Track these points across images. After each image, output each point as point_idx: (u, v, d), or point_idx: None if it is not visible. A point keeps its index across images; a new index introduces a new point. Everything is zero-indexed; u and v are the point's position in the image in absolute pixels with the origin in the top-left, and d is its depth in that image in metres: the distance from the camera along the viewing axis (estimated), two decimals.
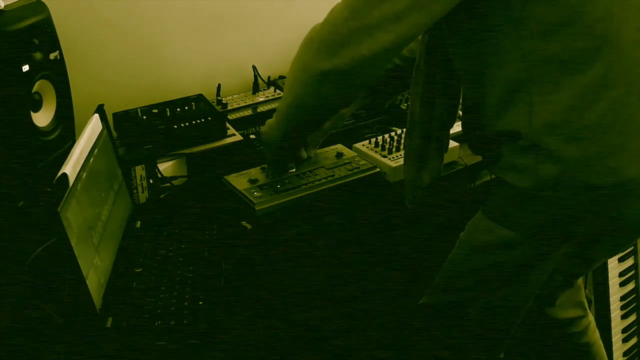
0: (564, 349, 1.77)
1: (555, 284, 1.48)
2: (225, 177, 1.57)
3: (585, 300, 1.77)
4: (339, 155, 1.67)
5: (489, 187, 1.62)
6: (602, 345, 1.83)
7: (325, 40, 1.18)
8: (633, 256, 2.09)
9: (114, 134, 1.55)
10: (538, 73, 1.15)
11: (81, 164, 1.18)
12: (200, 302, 1.20)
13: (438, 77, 1.39)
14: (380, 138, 1.74)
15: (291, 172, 1.59)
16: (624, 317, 2.05)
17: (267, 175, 1.57)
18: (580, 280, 1.74)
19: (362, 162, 1.65)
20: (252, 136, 1.77)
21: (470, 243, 1.40)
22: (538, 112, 1.16)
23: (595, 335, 1.80)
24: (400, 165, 1.64)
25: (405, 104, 1.94)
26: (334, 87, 1.22)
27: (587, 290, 1.88)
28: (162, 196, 1.57)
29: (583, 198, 1.19)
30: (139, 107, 1.71)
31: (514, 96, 1.18)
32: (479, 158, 1.77)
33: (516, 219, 1.27)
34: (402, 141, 1.72)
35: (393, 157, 1.66)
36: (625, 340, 2.05)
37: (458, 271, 1.44)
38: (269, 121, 1.49)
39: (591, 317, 1.79)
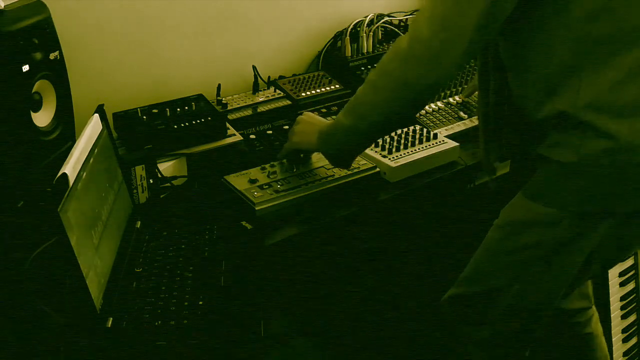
0: (567, 338, 1.77)
1: (590, 274, 1.47)
2: (225, 177, 1.57)
3: (591, 292, 1.78)
4: None
5: (487, 186, 1.62)
6: (604, 341, 1.84)
7: (423, 56, 1.24)
8: (633, 256, 2.09)
9: (114, 134, 1.55)
10: (587, 55, 1.20)
11: (81, 164, 1.18)
12: (200, 302, 1.20)
13: (490, 64, 1.43)
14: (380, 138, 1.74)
15: (291, 171, 1.59)
16: (624, 317, 2.05)
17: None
18: None
19: (362, 162, 1.65)
20: (252, 136, 1.77)
21: (507, 226, 1.41)
22: (585, 92, 1.20)
23: (598, 327, 1.81)
24: (399, 165, 1.64)
25: None
26: (432, 94, 1.33)
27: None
28: (162, 196, 1.56)
29: (627, 173, 1.22)
30: (139, 107, 1.71)
31: (562, 80, 1.22)
32: (479, 158, 1.77)
33: (558, 195, 1.30)
34: (402, 141, 1.72)
35: (393, 157, 1.66)
36: (625, 341, 2.05)
37: (492, 257, 1.44)
38: (321, 130, 1.47)
39: (595, 310, 1.80)
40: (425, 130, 1.79)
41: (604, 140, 1.20)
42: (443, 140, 1.75)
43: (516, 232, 1.38)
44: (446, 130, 1.86)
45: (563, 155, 1.26)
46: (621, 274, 2.04)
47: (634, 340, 2.09)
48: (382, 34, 2.26)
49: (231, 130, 1.72)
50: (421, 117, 1.90)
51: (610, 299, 2.01)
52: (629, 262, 2.08)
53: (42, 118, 1.41)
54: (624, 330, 2.05)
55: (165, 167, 1.58)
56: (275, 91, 1.99)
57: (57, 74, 1.43)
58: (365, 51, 2.16)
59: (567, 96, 1.22)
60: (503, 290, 1.42)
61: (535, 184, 1.35)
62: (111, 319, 1.16)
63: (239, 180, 1.55)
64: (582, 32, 1.18)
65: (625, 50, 1.18)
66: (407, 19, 2.31)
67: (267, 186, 1.53)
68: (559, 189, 1.29)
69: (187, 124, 1.64)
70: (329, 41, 2.19)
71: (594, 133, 1.20)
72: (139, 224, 1.45)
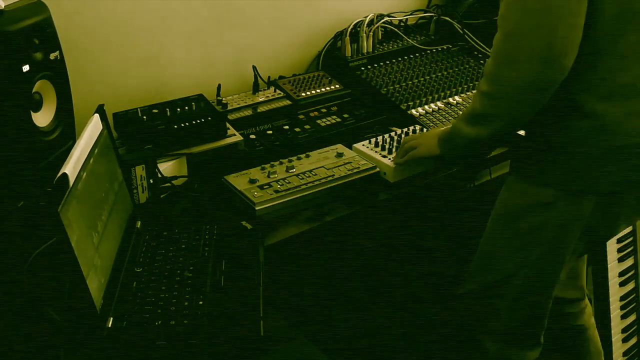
0: (560, 330, 1.80)
1: (578, 253, 1.51)
2: (225, 177, 1.57)
3: (584, 284, 1.81)
4: (339, 155, 1.68)
5: (486, 186, 1.62)
6: (598, 335, 1.86)
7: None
8: (633, 256, 2.09)
9: (114, 134, 1.55)
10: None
11: (81, 164, 1.18)
12: (200, 302, 1.20)
13: None
14: (380, 138, 1.74)
15: (291, 171, 1.59)
16: (623, 317, 2.05)
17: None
18: (581, 268, 1.79)
19: (362, 162, 1.65)
20: (252, 136, 1.77)
21: (506, 212, 1.44)
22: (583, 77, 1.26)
23: (591, 321, 1.84)
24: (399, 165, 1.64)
25: (405, 104, 1.94)
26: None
27: (587, 290, 1.89)
28: (162, 196, 1.57)
29: (609, 155, 1.28)
30: (139, 107, 1.71)
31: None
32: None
33: (549, 175, 1.34)
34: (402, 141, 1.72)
35: (393, 157, 1.66)
36: (625, 340, 2.05)
37: (497, 245, 1.48)
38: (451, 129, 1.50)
39: (588, 303, 1.84)
40: (425, 130, 1.78)
41: (589, 120, 1.25)
42: None
43: (516, 218, 1.42)
44: None
45: (551, 136, 1.31)
46: (621, 274, 2.05)
47: (633, 340, 2.09)
48: (382, 34, 2.26)
49: (231, 130, 1.72)
50: (421, 117, 1.90)
51: (610, 299, 2.01)
52: (629, 262, 2.08)
53: (42, 118, 1.41)
54: (623, 330, 2.05)
55: (165, 167, 1.59)
56: (275, 91, 1.99)
57: (57, 74, 1.43)
58: (365, 51, 2.16)
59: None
60: (511, 277, 1.45)
61: (526, 165, 1.39)
62: (111, 319, 1.16)
63: (239, 180, 1.55)
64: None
65: (620, 37, 1.23)
66: (407, 19, 2.32)
67: (267, 186, 1.53)
68: (550, 169, 1.34)
69: (187, 124, 1.64)
70: (329, 41, 2.19)
71: (581, 114, 1.26)
72: (139, 224, 1.45)
